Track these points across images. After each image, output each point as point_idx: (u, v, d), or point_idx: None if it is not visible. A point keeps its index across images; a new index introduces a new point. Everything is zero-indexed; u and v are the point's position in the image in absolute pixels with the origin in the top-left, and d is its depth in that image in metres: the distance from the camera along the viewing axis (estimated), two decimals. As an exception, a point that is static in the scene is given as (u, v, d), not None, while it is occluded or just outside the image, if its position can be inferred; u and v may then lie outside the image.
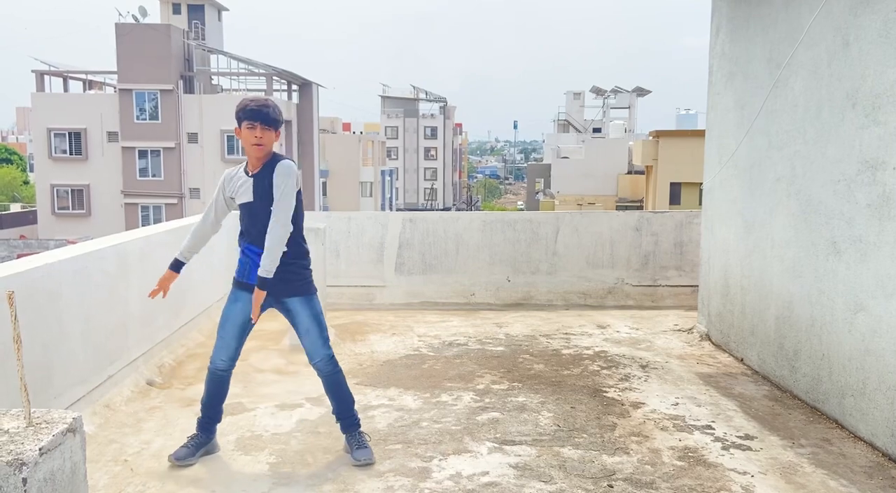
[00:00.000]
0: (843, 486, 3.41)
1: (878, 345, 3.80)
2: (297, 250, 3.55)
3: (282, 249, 3.43)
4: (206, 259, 6.40)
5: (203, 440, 3.66)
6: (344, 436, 3.73)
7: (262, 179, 3.48)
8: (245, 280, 3.56)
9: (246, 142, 3.49)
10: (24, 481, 1.68)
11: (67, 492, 1.84)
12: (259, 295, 3.45)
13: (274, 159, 3.51)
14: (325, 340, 3.63)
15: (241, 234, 3.61)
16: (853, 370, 4.01)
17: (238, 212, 3.63)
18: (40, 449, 1.75)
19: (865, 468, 3.60)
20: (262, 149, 3.48)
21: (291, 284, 3.55)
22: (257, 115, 3.44)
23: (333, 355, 3.66)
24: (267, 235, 3.40)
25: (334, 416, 3.74)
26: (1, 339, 3.37)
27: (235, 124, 3.52)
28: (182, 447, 3.61)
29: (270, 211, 3.43)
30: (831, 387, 4.23)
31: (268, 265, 3.41)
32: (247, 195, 3.52)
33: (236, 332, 3.62)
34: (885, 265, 3.74)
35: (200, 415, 3.70)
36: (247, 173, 3.55)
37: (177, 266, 3.75)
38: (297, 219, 3.53)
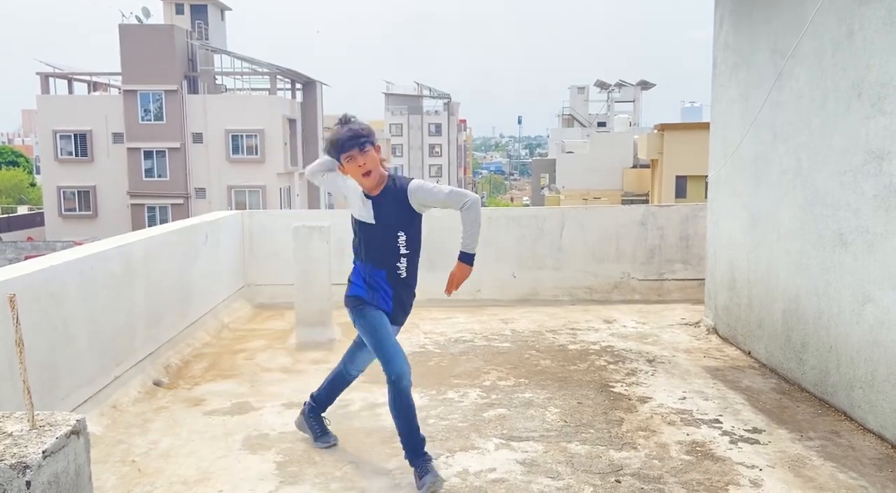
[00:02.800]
0: (852, 479, 3.39)
1: (886, 336, 3.77)
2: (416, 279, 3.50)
3: (479, 221, 3.34)
4: (212, 258, 6.41)
5: (427, 466, 3.30)
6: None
7: (385, 203, 3.32)
8: (376, 304, 3.41)
9: (355, 176, 3.31)
10: (28, 484, 1.68)
11: (72, 494, 1.84)
12: (462, 270, 3.37)
13: (396, 182, 3.33)
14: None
15: (360, 253, 3.46)
16: (861, 362, 3.99)
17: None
18: (44, 452, 1.74)
19: (874, 461, 3.58)
20: (373, 175, 3.28)
21: (408, 314, 3.57)
22: (352, 142, 3.24)
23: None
24: (462, 215, 3.30)
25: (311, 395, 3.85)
26: (7, 341, 3.37)
27: (336, 161, 3.38)
28: (424, 474, 3.25)
29: (392, 235, 3.32)
30: (839, 379, 4.20)
31: (471, 243, 3.35)
32: (367, 216, 3.37)
33: (393, 334, 3.41)
34: (893, 256, 3.71)
35: (408, 449, 3.32)
36: (365, 194, 3.37)
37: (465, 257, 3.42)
38: (418, 246, 3.43)
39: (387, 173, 3.38)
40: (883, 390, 3.80)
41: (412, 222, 3.37)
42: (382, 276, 3.40)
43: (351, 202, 3.47)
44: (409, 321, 6.47)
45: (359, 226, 3.43)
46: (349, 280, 3.52)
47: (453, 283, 3.43)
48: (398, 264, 3.38)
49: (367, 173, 3.27)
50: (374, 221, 3.35)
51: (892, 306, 3.72)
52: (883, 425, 3.80)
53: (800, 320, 4.66)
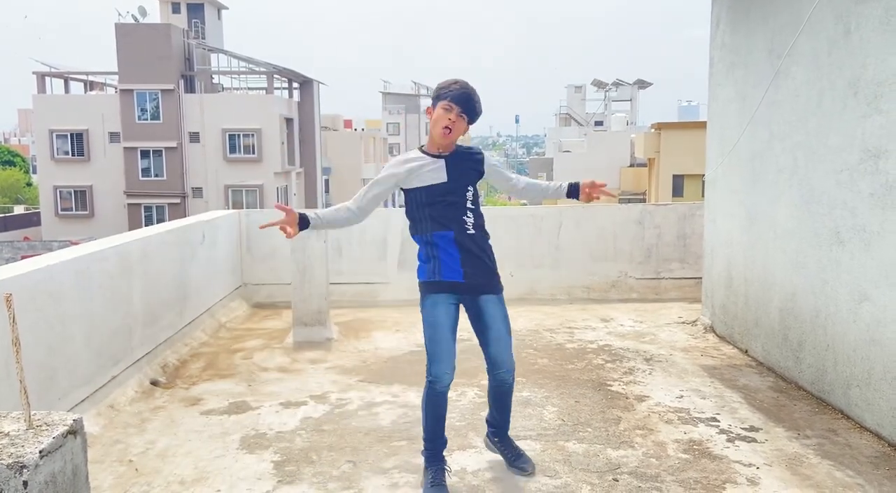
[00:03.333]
0: (849, 477, 3.39)
1: (883, 334, 3.78)
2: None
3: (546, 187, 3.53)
4: (209, 257, 6.40)
5: (440, 470, 3.27)
6: (497, 442, 3.52)
7: (457, 163, 3.22)
8: (438, 278, 3.20)
9: (436, 124, 3.17)
10: (25, 484, 1.67)
11: (69, 494, 1.84)
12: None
13: (467, 148, 3.32)
14: (512, 348, 3.35)
15: (422, 223, 3.23)
16: (858, 360, 3.99)
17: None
18: (41, 452, 1.74)
19: (871, 459, 3.59)
20: (450, 137, 3.18)
21: (496, 277, 3.30)
22: (460, 99, 3.14)
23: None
24: (536, 180, 3.54)
25: (489, 425, 3.53)
26: (3, 341, 3.36)
27: (430, 104, 3.24)
28: (431, 486, 3.21)
29: (462, 191, 3.20)
30: (836, 377, 4.21)
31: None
32: (437, 177, 3.18)
33: (451, 335, 3.22)
34: (889, 254, 3.72)
35: (425, 448, 3.29)
36: (430, 154, 3.24)
37: (304, 221, 3.20)
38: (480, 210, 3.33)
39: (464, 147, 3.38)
40: (880, 388, 3.81)
41: (475, 184, 3.31)
42: (450, 237, 3.19)
43: (413, 178, 3.22)
44: (406, 320, 6.53)
45: (425, 193, 3.20)
46: (419, 265, 3.32)
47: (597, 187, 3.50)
48: (465, 219, 3.21)
49: (448, 129, 3.16)
50: (446, 179, 3.20)
51: (888, 305, 3.73)
52: (880, 423, 3.81)
53: (797, 318, 4.66)
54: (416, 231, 3.29)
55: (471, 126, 3.30)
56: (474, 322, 3.32)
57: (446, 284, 3.20)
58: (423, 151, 3.27)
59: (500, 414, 3.48)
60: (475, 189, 3.30)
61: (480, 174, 3.33)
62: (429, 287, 3.23)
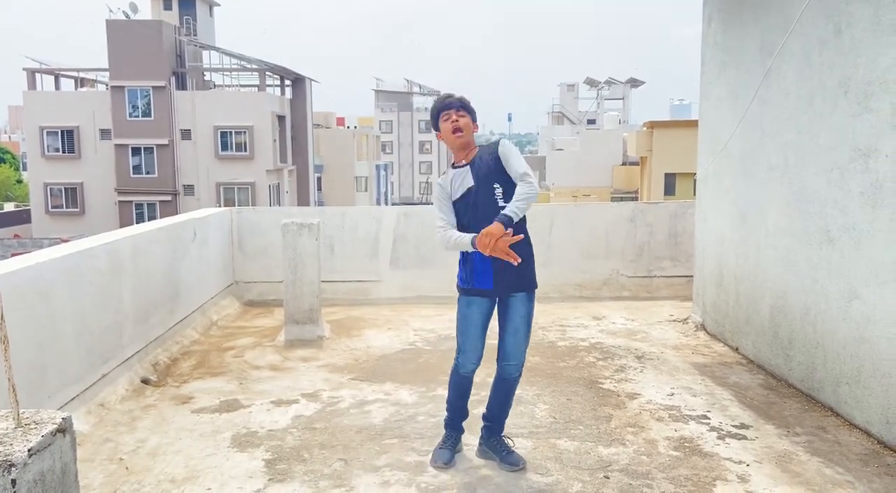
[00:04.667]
0: (838, 474, 3.41)
1: (872, 332, 3.80)
2: (530, 242, 3.41)
3: (531, 203, 3.25)
4: (200, 255, 6.38)
5: (450, 437, 3.62)
6: (489, 440, 3.59)
7: (481, 164, 3.37)
8: (470, 286, 3.39)
9: (447, 134, 3.41)
10: (14, 482, 1.66)
11: (58, 493, 1.83)
12: (496, 226, 3.14)
13: (486, 147, 3.43)
14: (526, 348, 3.50)
15: (466, 228, 3.37)
16: (847, 358, 4.01)
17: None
18: (29, 450, 1.73)
19: (861, 456, 3.61)
20: (463, 135, 3.39)
21: (525, 278, 3.40)
22: (449, 104, 3.42)
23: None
24: (520, 187, 3.25)
25: (485, 420, 3.61)
26: (-8, 339, 3.34)
27: (434, 130, 3.51)
28: (439, 449, 3.58)
29: (490, 189, 3.30)
30: (826, 375, 4.23)
31: (516, 209, 3.19)
32: (467, 182, 3.36)
33: (479, 332, 3.43)
34: (879, 253, 3.74)
35: (446, 416, 3.65)
36: (458, 165, 3.43)
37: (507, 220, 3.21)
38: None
39: (475, 145, 3.48)
40: (869, 385, 3.83)
41: (505, 175, 3.35)
42: (483, 280, 3.37)
43: (454, 191, 3.40)
44: (399, 318, 6.53)
45: (461, 201, 3.38)
46: (458, 272, 3.48)
47: (487, 240, 3.16)
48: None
49: (458, 130, 3.38)
50: (473, 182, 3.36)
51: (878, 303, 3.75)
52: (869, 420, 3.83)
53: (787, 316, 4.69)
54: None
55: (476, 123, 3.47)
56: (500, 315, 3.49)
57: (477, 290, 3.41)
58: (454, 166, 3.47)
59: (498, 410, 3.58)
60: (506, 185, 3.33)
61: (502, 163, 3.40)
62: (463, 291, 3.46)
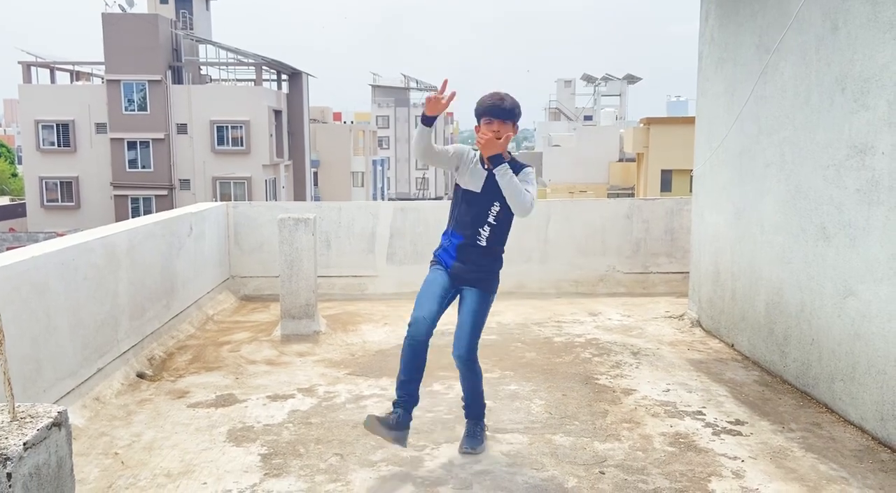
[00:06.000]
0: (833, 470, 3.43)
1: (867, 329, 3.81)
2: (500, 258, 3.61)
3: (523, 203, 3.36)
4: (196, 250, 6.37)
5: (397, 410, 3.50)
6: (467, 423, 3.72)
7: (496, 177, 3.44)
8: (436, 258, 3.61)
9: (483, 137, 3.45)
10: (9, 476, 1.66)
11: (53, 487, 1.83)
12: (492, 141, 3.37)
13: (514, 164, 3.47)
14: (474, 338, 3.53)
15: (451, 221, 3.58)
16: (842, 355, 4.03)
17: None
18: (25, 444, 1.73)
19: (855, 452, 3.62)
20: (502, 142, 3.46)
21: (480, 277, 3.54)
22: (492, 110, 3.41)
23: (475, 356, 3.57)
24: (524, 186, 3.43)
25: (464, 402, 3.72)
26: (-13, 333, 3.33)
27: (475, 122, 3.51)
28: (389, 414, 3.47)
29: (489, 207, 3.46)
30: (821, 372, 4.25)
31: (508, 177, 3.36)
32: (474, 184, 3.48)
33: (436, 295, 3.50)
34: (874, 250, 3.75)
35: (398, 393, 3.53)
36: (483, 165, 3.50)
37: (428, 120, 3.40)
38: (509, 220, 3.54)
39: (516, 163, 3.51)
40: (863, 382, 3.84)
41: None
42: (456, 243, 3.54)
43: (461, 172, 3.52)
44: (395, 313, 6.53)
45: (462, 194, 3.55)
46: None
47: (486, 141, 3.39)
48: (480, 231, 3.50)
49: (498, 140, 3.42)
50: (479, 191, 3.48)
51: (873, 300, 3.77)
52: (863, 417, 3.85)
53: (782, 313, 4.70)
54: (448, 222, 3.62)
55: (516, 127, 3.52)
56: (458, 306, 3.61)
57: (440, 263, 3.61)
58: (481, 160, 3.51)
59: (467, 395, 3.69)
60: (505, 206, 3.45)
61: None
62: (431, 263, 3.65)
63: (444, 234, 3.63)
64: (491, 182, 3.44)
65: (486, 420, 3.75)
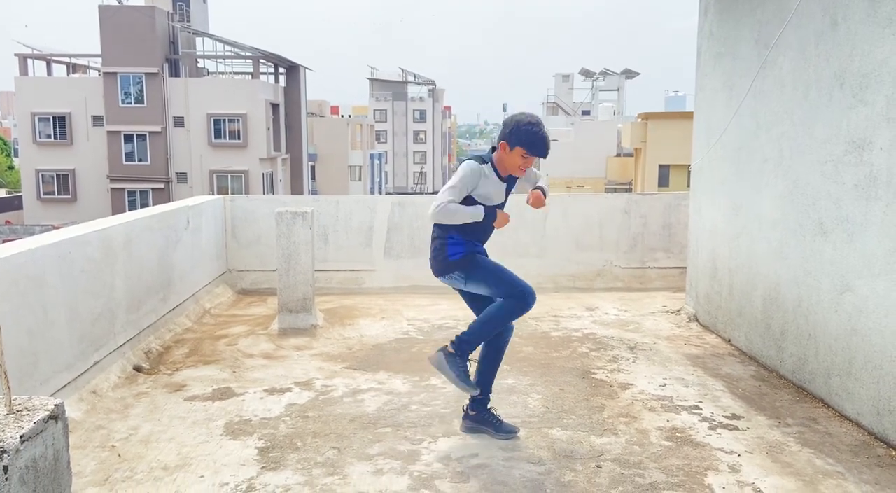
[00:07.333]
0: (829, 465, 3.44)
1: (864, 325, 3.82)
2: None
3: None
4: (194, 243, 6.36)
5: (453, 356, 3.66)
6: (478, 416, 3.76)
7: (511, 184, 3.72)
8: (470, 249, 3.64)
9: (512, 163, 3.56)
10: (5, 469, 1.65)
11: (50, 480, 1.82)
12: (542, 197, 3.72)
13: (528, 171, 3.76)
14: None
15: (473, 232, 3.63)
16: (839, 350, 4.04)
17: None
18: (21, 437, 1.72)
19: (851, 447, 3.63)
20: (522, 172, 3.66)
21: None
22: (538, 150, 3.50)
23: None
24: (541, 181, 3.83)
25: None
26: (-16, 326, 3.32)
27: (505, 141, 3.55)
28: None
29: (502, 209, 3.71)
30: (817, 367, 4.26)
31: (544, 187, 3.81)
32: (499, 197, 3.65)
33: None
34: (872, 245, 3.75)
35: (470, 346, 3.66)
36: (499, 176, 3.62)
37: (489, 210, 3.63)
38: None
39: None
40: (860, 377, 3.85)
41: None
42: (481, 247, 3.75)
43: (482, 190, 3.57)
44: (392, 307, 6.54)
45: (485, 208, 3.62)
46: (449, 250, 3.62)
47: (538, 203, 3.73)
48: (491, 233, 3.79)
49: (522, 170, 3.62)
50: (503, 200, 3.70)
51: (870, 295, 3.77)
52: (859, 412, 3.86)
53: (779, 308, 4.70)
54: (461, 232, 3.60)
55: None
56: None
57: (478, 250, 3.73)
58: (495, 169, 3.62)
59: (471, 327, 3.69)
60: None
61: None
62: (469, 255, 3.63)
63: (464, 242, 3.61)
64: (508, 191, 3.69)
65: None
